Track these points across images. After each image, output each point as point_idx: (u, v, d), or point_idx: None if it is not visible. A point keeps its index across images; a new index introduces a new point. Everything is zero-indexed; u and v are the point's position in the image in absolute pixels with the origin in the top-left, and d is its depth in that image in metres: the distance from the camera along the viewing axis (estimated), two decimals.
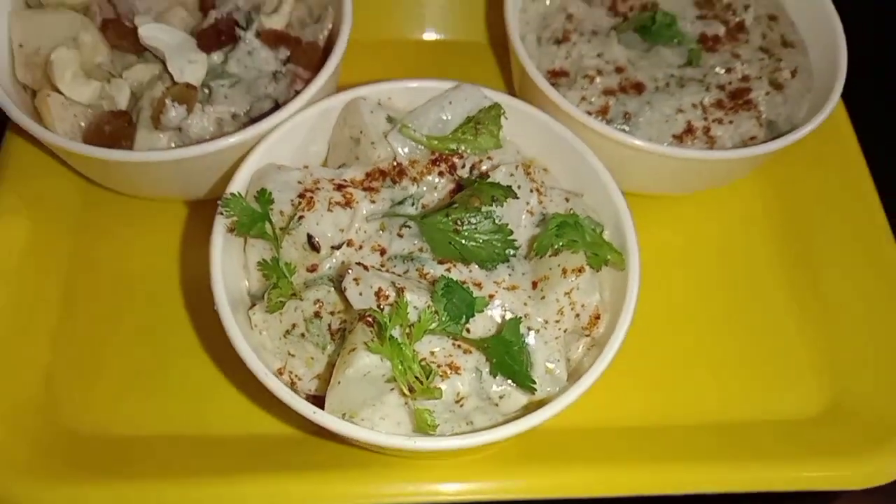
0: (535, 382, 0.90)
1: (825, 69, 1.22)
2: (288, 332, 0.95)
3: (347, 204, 0.98)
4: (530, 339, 0.93)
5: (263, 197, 0.96)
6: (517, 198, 0.96)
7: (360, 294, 0.90)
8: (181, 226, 1.20)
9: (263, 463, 0.99)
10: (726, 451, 1.05)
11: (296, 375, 0.95)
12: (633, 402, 1.10)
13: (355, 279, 0.91)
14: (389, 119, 1.05)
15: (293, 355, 0.95)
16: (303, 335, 0.94)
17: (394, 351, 0.85)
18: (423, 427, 0.86)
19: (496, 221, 0.95)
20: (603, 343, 0.94)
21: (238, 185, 0.98)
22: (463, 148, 1.02)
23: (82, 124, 1.10)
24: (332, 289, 0.95)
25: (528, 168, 1.02)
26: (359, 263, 0.93)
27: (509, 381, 0.91)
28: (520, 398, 0.93)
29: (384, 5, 1.39)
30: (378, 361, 0.86)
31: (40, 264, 1.13)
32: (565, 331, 0.96)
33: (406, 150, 1.03)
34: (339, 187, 0.99)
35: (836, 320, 1.16)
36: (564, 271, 0.95)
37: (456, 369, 0.90)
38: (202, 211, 1.15)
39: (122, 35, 1.13)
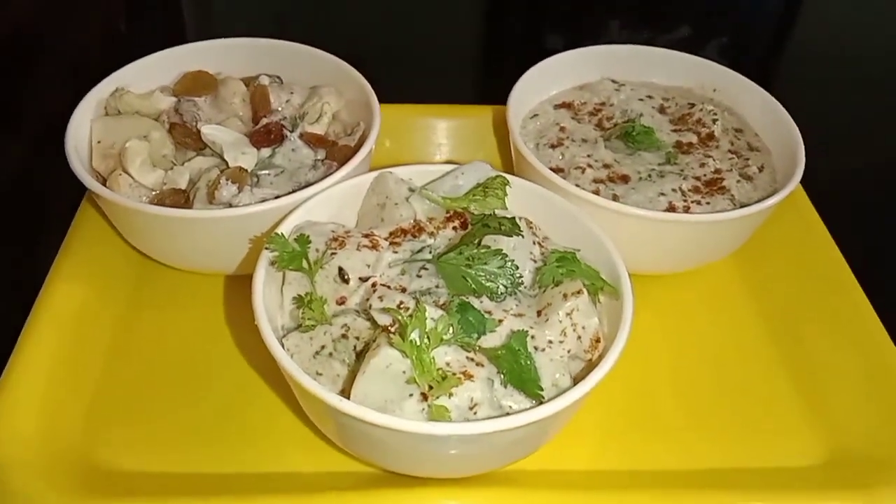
0: (542, 389, 0.98)
1: (787, 164, 1.41)
2: (317, 353, 1.05)
3: (374, 247, 1.13)
4: (537, 357, 1.03)
5: (302, 237, 1.11)
6: (521, 234, 1.10)
7: (384, 310, 1.01)
8: (221, 299, 1.33)
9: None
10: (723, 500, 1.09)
11: None
12: (629, 450, 1.17)
13: (380, 297, 1.03)
14: (411, 189, 1.23)
15: (321, 374, 1.04)
16: (330, 354, 1.04)
17: (413, 349, 0.95)
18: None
19: (504, 258, 1.08)
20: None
21: (285, 226, 1.14)
22: (474, 206, 1.19)
23: (145, 201, 1.28)
24: (358, 318, 1.07)
25: (531, 223, 1.18)
26: (384, 284, 1.06)
27: (520, 393, 0.99)
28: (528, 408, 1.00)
29: (405, 132, 1.63)
30: (399, 357, 0.95)
31: (91, 324, 1.26)
32: (568, 351, 1.05)
33: (425, 209, 1.19)
34: (367, 236, 1.15)
35: (823, 372, 1.25)
36: (565, 295, 1.06)
37: (470, 377, 0.99)
38: (239, 289, 1.29)
39: (186, 134, 1.34)
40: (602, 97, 1.55)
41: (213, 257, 1.28)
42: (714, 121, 1.48)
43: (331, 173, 1.32)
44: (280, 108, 1.42)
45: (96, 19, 2.07)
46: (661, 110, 1.53)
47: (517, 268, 1.08)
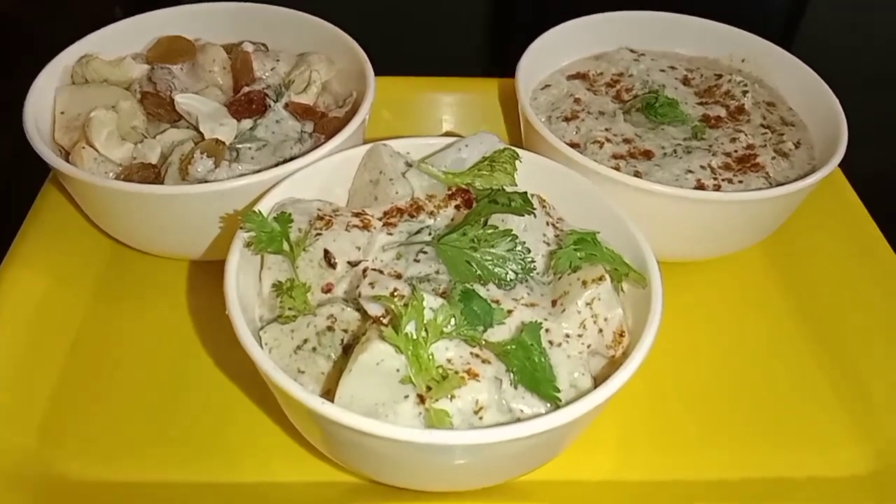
0: (558, 391, 0.85)
1: (826, 142, 1.27)
2: (299, 347, 0.91)
3: (365, 227, 0.99)
4: (552, 353, 0.89)
5: (283, 217, 0.97)
6: (533, 212, 0.96)
7: (376, 298, 0.88)
8: (196, 289, 1.20)
9: None
10: None
11: None
12: (657, 456, 1.03)
13: (371, 283, 0.89)
14: (408, 164, 1.09)
15: (303, 372, 0.91)
16: (314, 349, 0.90)
17: (408, 343, 0.81)
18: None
19: (514, 240, 0.94)
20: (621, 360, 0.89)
21: (259, 208, 1.00)
22: (479, 183, 1.05)
23: (111, 177, 1.14)
24: (346, 307, 0.93)
25: (544, 201, 1.04)
26: (375, 269, 0.92)
27: (533, 395, 0.86)
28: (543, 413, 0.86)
29: (404, 104, 1.49)
30: (392, 352, 0.81)
31: (51, 319, 1.12)
32: (588, 346, 0.91)
33: (424, 185, 1.05)
34: (358, 215, 1.01)
35: (866, 373, 1.12)
36: (584, 283, 0.93)
37: (475, 376, 0.85)
38: (217, 275, 1.15)
39: (158, 104, 1.21)
40: (620, 67, 1.41)
41: (186, 239, 1.14)
42: (744, 93, 1.34)
43: (318, 147, 1.18)
44: (264, 77, 1.28)
45: (88, 6, 1.94)
46: (686, 82, 1.39)
47: (529, 251, 0.94)
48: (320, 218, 0.98)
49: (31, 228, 1.21)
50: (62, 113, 1.20)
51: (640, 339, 0.88)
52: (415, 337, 0.82)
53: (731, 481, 1.01)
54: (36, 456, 0.99)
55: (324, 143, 1.17)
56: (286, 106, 1.22)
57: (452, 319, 0.86)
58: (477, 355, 0.87)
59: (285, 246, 0.95)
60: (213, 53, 1.29)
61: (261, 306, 0.98)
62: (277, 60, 1.31)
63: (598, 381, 0.90)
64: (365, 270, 0.93)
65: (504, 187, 1.00)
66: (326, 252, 0.95)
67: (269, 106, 1.21)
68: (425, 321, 0.84)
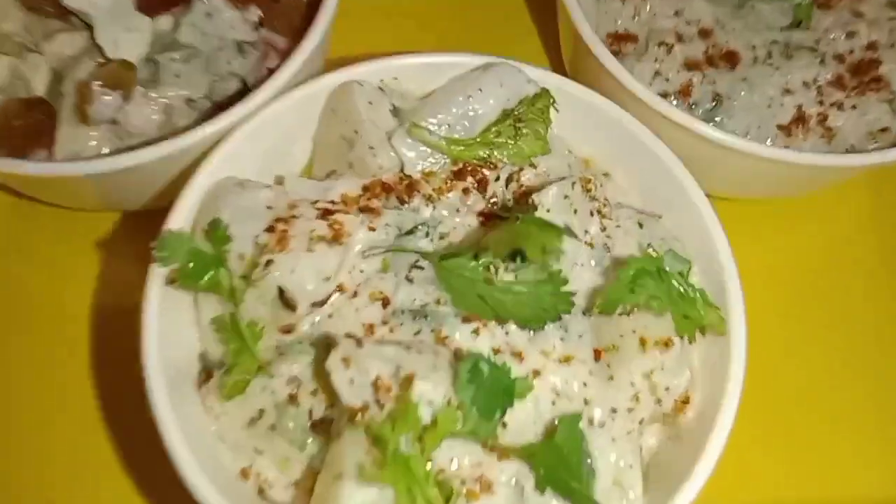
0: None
1: None
2: (254, 419, 0.69)
3: (336, 239, 0.70)
4: (593, 435, 0.67)
5: (217, 233, 0.68)
6: (576, 237, 0.67)
7: (352, 382, 0.63)
8: (120, 243, 0.92)
9: None
10: None
11: (265, 480, 0.70)
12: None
13: (344, 359, 0.63)
14: (395, 111, 0.77)
15: (261, 452, 0.69)
16: (273, 427, 0.68)
17: (399, 474, 0.59)
18: None
19: (545, 268, 0.67)
20: (693, 439, 0.67)
21: (183, 212, 0.70)
22: (497, 155, 0.73)
23: None
24: (314, 359, 0.68)
25: (588, 183, 0.74)
26: (349, 335, 0.66)
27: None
28: None
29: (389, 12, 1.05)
30: (376, 495, 0.59)
31: None
32: (641, 421, 0.68)
33: (418, 157, 0.74)
34: (325, 214, 0.71)
35: None
36: (643, 342, 0.67)
37: (487, 487, 0.64)
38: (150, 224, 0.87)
39: None
40: None
41: (98, 206, 0.85)
42: None
43: (268, 64, 0.84)
44: None
45: None
46: None
47: (565, 282, 0.67)
48: (271, 229, 0.69)
49: None
50: None
51: (715, 419, 0.66)
52: (408, 456, 0.59)
53: None
54: None
55: (278, 54, 0.83)
56: None
57: (460, 418, 0.62)
58: (492, 448, 0.65)
59: (223, 277, 0.68)
60: None
61: (201, 339, 0.73)
62: None
63: (650, 465, 0.70)
64: (336, 340, 0.66)
65: (536, 211, 0.68)
66: (282, 291, 0.68)
67: None
68: (422, 424, 0.61)
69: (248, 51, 0.85)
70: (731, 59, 0.88)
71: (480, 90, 0.75)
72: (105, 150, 0.81)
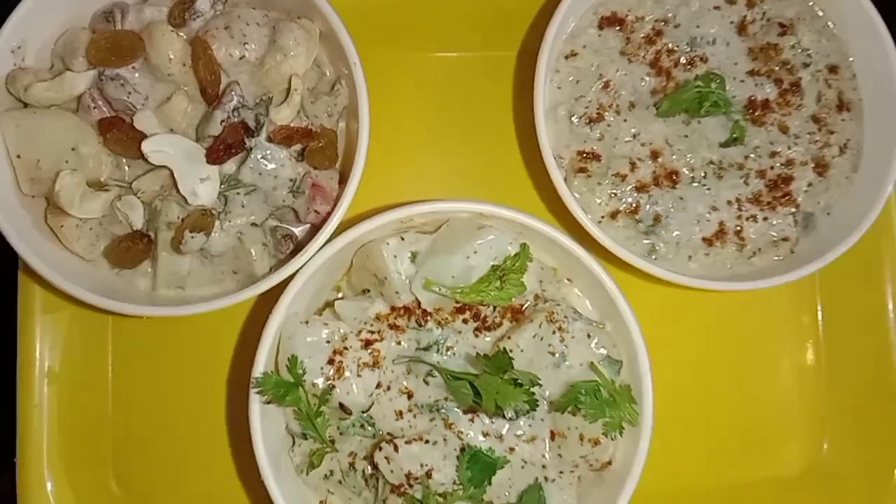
0: None
1: (879, 139, 1.13)
2: (326, 476, 1.05)
3: (375, 364, 1.02)
4: (547, 487, 1.03)
5: (295, 366, 0.99)
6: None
7: (391, 472, 0.99)
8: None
9: None
10: None
11: None
12: None
13: (386, 458, 0.99)
14: (413, 257, 1.04)
15: (332, 493, 1.06)
16: (340, 481, 1.05)
17: None
18: None
19: (519, 382, 0.99)
20: (615, 482, 1.03)
21: (265, 351, 1.00)
22: (486, 298, 1.02)
23: (99, 238, 1.09)
24: (364, 437, 1.04)
25: (552, 316, 1.03)
26: (390, 440, 1.00)
27: None
28: None
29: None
30: None
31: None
32: (579, 477, 1.05)
33: (430, 299, 1.03)
34: (367, 344, 1.02)
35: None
36: (581, 438, 1.01)
37: None
38: None
39: (123, 143, 1.05)
40: (666, 6, 1.13)
41: None
42: (805, 64, 1.13)
43: (314, 206, 1.09)
44: (235, 81, 1.07)
45: None
46: (742, 29, 1.14)
47: (533, 394, 0.99)
48: (331, 361, 1.00)
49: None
50: (18, 157, 1.06)
51: (631, 467, 1.01)
52: None
53: None
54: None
55: (319, 193, 1.08)
56: (269, 139, 1.07)
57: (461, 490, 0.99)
58: (480, 501, 1.02)
59: (301, 395, 1.00)
60: (165, 45, 1.05)
61: (285, 418, 1.07)
62: (245, 44, 1.08)
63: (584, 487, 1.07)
64: (381, 444, 1.00)
65: (509, 369, 0.98)
66: (342, 405, 1.01)
67: (250, 147, 1.06)
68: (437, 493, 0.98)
69: (297, 194, 1.08)
70: (673, 178, 1.11)
71: (475, 252, 1.01)
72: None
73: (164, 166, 1.06)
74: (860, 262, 1.20)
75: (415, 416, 1.04)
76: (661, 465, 1.11)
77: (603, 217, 1.11)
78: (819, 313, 1.25)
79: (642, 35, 1.14)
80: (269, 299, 1.03)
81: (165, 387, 1.19)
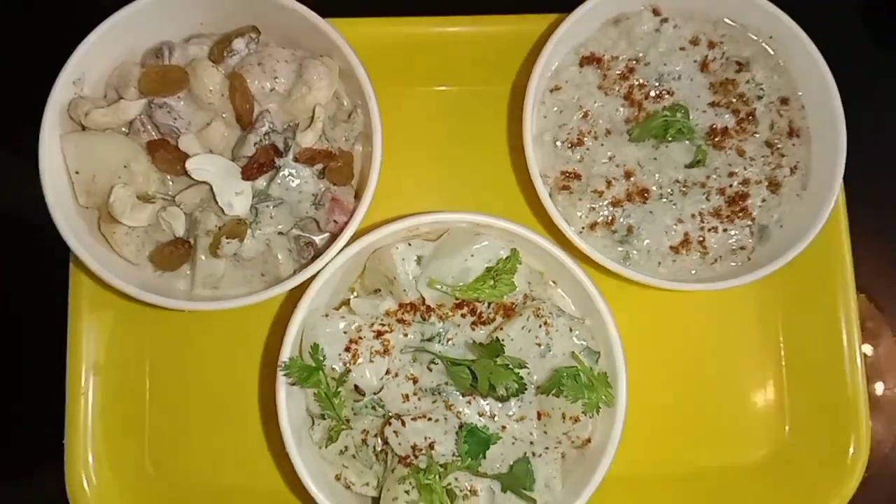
0: (535, 501, 1.17)
1: (824, 161, 1.30)
2: (342, 451, 1.20)
3: (385, 352, 1.18)
4: (534, 461, 1.18)
5: (316, 353, 1.15)
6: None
7: (399, 444, 1.14)
8: None
9: None
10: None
11: (350, 481, 1.21)
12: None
13: (395, 432, 1.14)
14: (419, 260, 1.20)
15: (347, 466, 1.21)
16: (354, 456, 1.20)
17: (426, 495, 1.12)
18: None
19: (510, 366, 1.14)
20: (594, 458, 1.18)
21: (290, 340, 1.16)
22: (483, 296, 1.18)
23: (144, 244, 1.25)
24: (375, 417, 1.19)
25: (539, 311, 1.19)
26: (397, 417, 1.15)
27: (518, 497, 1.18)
28: None
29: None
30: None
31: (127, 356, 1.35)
32: (563, 455, 1.20)
33: (433, 296, 1.19)
34: (378, 335, 1.18)
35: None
36: (564, 416, 1.17)
37: (474, 492, 1.16)
38: None
39: (169, 161, 1.22)
40: (638, 48, 1.31)
41: None
42: (759, 97, 1.31)
43: (334, 217, 1.25)
44: (267, 110, 1.24)
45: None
46: (704, 66, 1.32)
47: (522, 378, 1.14)
48: (347, 349, 1.16)
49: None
50: (77, 173, 1.23)
51: (606, 446, 1.16)
52: (430, 482, 1.12)
53: None
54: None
55: (338, 206, 1.24)
56: (295, 159, 1.23)
57: (459, 461, 1.14)
58: (476, 472, 1.17)
59: (322, 377, 1.16)
60: (207, 78, 1.22)
61: (308, 404, 1.22)
62: (276, 77, 1.25)
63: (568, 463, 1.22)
64: (390, 419, 1.15)
65: (502, 355, 1.14)
66: (357, 387, 1.16)
67: (279, 166, 1.22)
68: (438, 463, 1.13)
69: (319, 207, 1.25)
70: (644, 195, 1.28)
71: (472, 256, 1.18)
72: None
73: (204, 182, 1.23)
74: (814, 267, 1.36)
75: (419, 399, 1.19)
76: (634, 451, 1.26)
77: (583, 228, 1.27)
78: (779, 312, 1.39)
79: (617, 72, 1.31)
80: (294, 297, 1.19)
81: (198, 376, 1.35)
